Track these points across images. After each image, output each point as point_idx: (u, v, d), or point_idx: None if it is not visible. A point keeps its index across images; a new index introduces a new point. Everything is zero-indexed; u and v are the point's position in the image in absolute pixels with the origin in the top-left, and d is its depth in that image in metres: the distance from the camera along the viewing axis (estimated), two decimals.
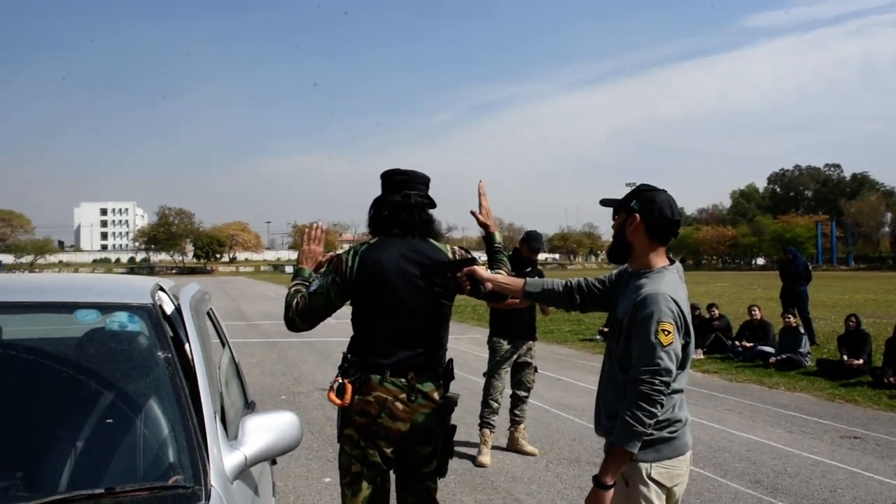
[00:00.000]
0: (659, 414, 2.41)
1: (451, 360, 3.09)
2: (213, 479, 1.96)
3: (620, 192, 2.90)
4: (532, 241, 6.35)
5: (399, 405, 2.91)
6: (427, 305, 3.00)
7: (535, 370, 6.40)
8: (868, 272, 68.67)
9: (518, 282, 2.97)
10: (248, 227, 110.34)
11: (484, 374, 6.29)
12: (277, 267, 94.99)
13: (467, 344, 13.72)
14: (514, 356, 6.20)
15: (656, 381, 2.37)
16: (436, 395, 2.96)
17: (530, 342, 6.28)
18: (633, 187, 2.71)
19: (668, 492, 2.50)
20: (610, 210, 2.75)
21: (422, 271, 2.97)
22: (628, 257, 2.67)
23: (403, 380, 2.92)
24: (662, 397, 2.38)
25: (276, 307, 25.48)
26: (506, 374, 6.22)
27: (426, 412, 2.94)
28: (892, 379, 9.18)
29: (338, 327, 19.44)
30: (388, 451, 2.94)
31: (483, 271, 2.94)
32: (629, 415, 2.37)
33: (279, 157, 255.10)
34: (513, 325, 6.13)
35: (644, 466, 2.47)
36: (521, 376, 6.26)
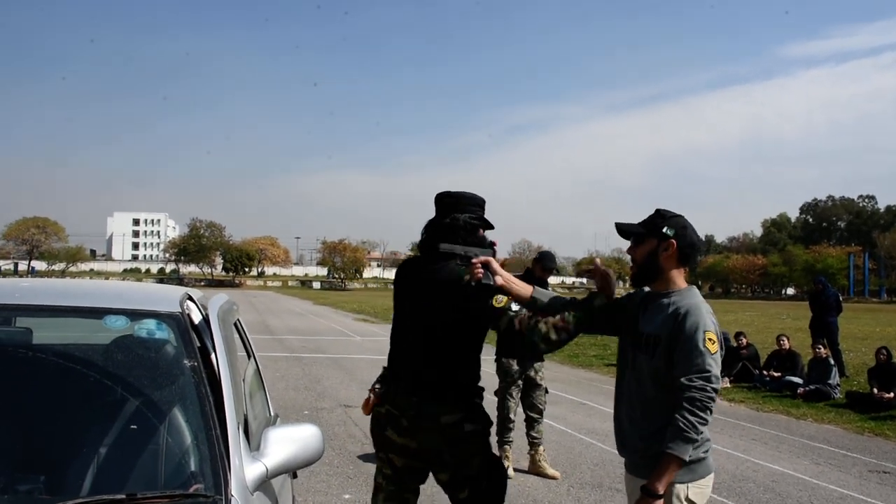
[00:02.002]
0: (710, 420, 2.46)
1: (476, 387, 3.02)
2: (234, 489, 1.98)
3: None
4: (545, 260, 6.29)
5: (404, 422, 2.95)
6: (441, 327, 2.97)
7: (546, 391, 6.37)
8: None
9: (527, 288, 2.97)
10: (277, 242, 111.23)
11: (495, 394, 6.27)
12: (305, 282, 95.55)
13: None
14: (523, 376, 6.19)
15: (708, 388, 2.43)
16: (443, 419, 2.90)
17: (538, 363, 6.26)
18: (655, 213, 2.74)
19: None
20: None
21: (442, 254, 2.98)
22: (655, 281, 2.70)
23: (414, 398, 2.94)
24: (713, 404, 2.43)
25: (302, 322, 25.65)
26: (517, 394, 6.20)
27: (432, 436, 2.92)
28: None
29: (363, 345, 19.57)
30: (400, 464, 2.96)
31: (497, 266, 2.92)
32: (684, 422, 2.41)
33: (310, 172, 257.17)
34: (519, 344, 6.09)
35: (681, 488, 2.51)
36: (532, 398, 6.24)
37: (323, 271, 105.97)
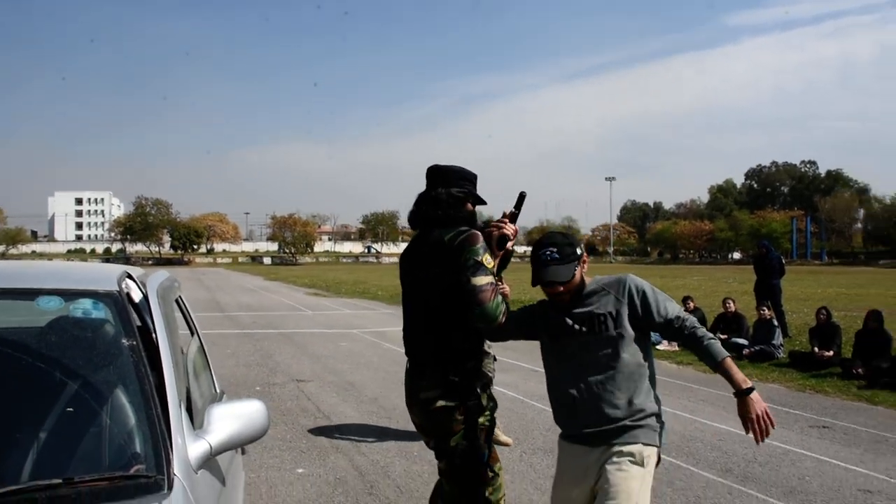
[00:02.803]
0: None
1: (460, 366, 3.02)
2: (177, 469, 1.94)
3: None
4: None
5: (407, 397, 3.16)
6: (426, 300, 3.05)
7: (494, 359, 6.42)
8: (840, 267, 69.56)
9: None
10: (226, 218, 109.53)
11: None
12: (256, 258, 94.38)
13: None
14: None
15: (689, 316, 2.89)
16: (422, 395, 3.01)
17: None
18: (563, 238, 2.90)
19: None
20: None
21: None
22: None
23: (411, 374, 3.12)
24: None
25: (253, 298, 25.40)
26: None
27: (415, 410, 3.10)
28: (860, 370, 9.31)
29: (315, 319, 19.39)
30: (424, 437, 3.17)
31: (511, 232, 3.13)
32: (709, 335, 2.85)
33: (259, 147, 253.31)
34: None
35: (657, 451, 2.80)
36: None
37: (273, 246, 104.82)
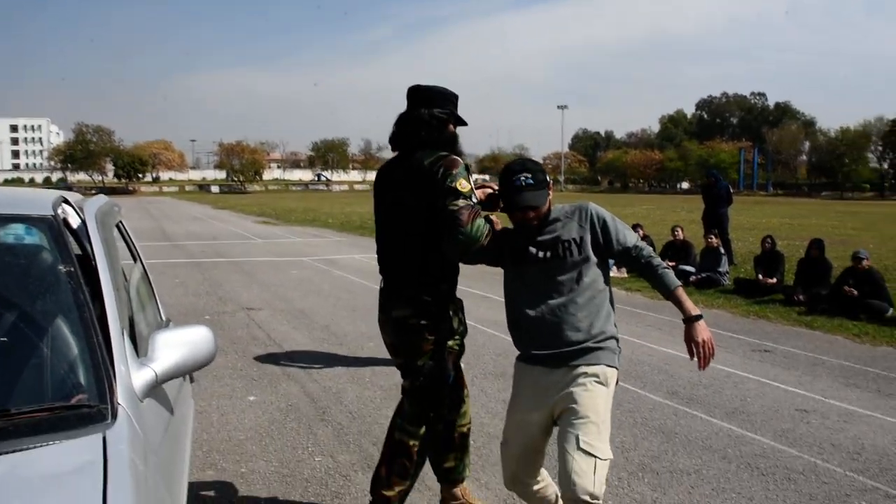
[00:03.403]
0: None
1: (435, 288, 3.05)
2: (121, 397, 1.87)
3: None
4: None
5: (380, 315, 3.18)
6: (405, 227, 3.05)
7: None
8: (785, 198, 71.14)
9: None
10: (171, 146, 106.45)
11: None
12: (203, 187, 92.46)
13: None
14: None
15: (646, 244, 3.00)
16: (395, 313, 3.07)
17: None
18: (535, 166, 2.90)
19: None
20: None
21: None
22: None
23: (386, 294, 3.15)
24: None
25: (201, 227, 24.97)
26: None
27: (388, 329, 3.14)
28: (801, 297, 9.60)
29: (265, 247, 19.18)
30: (394, 361, 3.21)
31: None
32: (664, 265, 2.94)
33: (204, 71, 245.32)
34: None
35: (617, 372, 2.89)
36: None
37: (221, 175, 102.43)
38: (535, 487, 3.02)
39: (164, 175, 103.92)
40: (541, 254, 2.86)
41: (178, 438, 2.48)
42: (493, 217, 3.03)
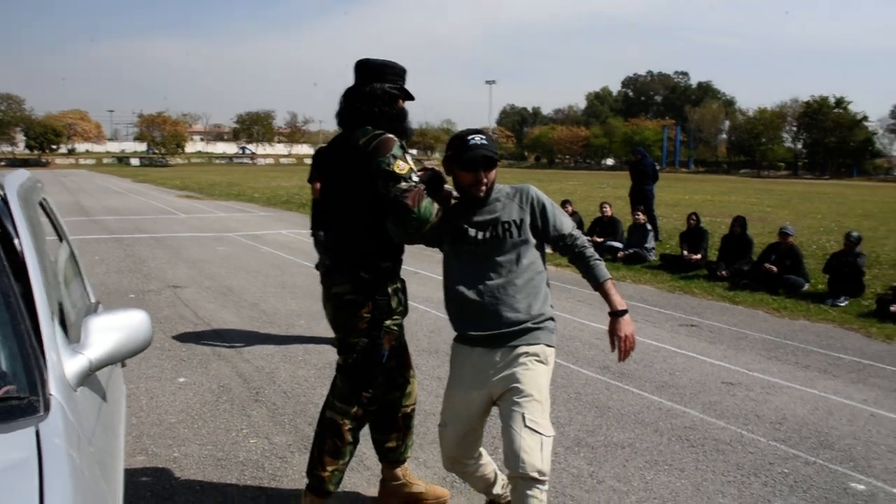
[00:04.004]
0: None
1: (374, 264, 3.00)
2: (53, 387, 1.77)
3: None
4: None
5: (323, 293, 3.16)
6: (344, 205, 3.01)
7: None
8: (706, 175, 73.35)
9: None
10: (87, 116, 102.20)
11: (316, 267, 6.27)
12: (122, 159, 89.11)
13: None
14: None
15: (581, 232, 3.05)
16: (334, 290, 3.05)
17: None
18: (480, 135, 2.89)
19: None
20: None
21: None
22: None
23: (327, 270, 3.11)
24: None
25: (121, 202, 24.16)
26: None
27: (328, 305, 3.12)
28: (724, 272, 9.91)
29: (189, 223, 18.65)
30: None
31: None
32: (597, 256, 2.98)
33: (120, 38, 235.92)
34: None
35: (553, 350, 2.93)
36: None
37: (141, 147, 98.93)
38: (475, 467, 3.05)
39: (81, 147, 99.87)
40: (480, 234, 2.87)
41: (112, 426, 2.37)
42: (448, 187, 2.99)
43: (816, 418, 4.79)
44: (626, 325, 2.90)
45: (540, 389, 2.76)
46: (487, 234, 2.86)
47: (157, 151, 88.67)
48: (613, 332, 2.91)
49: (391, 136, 2.91)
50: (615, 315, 2.90)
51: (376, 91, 2.99)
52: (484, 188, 2.85)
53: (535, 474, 2.57)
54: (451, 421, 2.93)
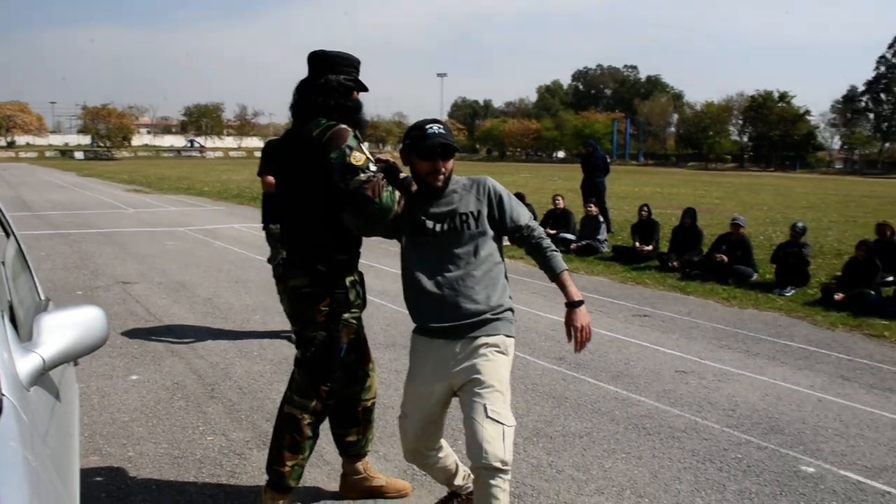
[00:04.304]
0: None
1: (331, 257, 2.97)
2: (5, 387, 1.71)
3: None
4: None
5: (278, 285, 3.18)
6: (300, 198, 2.99)
7: None
8: (654, 167, 74.43)
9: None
10: (27, 108, 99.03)
11: (269, 261, 6.30)
12: (66, 153, 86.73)
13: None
14: None
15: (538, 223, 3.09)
16: (291, 283, 3.02)
17: None
18: (438, 124, 2.91)
19: None
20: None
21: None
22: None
23: (284, 263, 3.10)
24: None
25: (65, 196, 23.54)
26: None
27: (284, 298, 3.10)
28: (675, 263, 10.08)
29: (137, 217, 18.29)
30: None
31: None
32: (553, 247, 3.02)
33: (61, 26, 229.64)
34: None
35: (511, 341, 2.93)
36: None
37: (86, 140, 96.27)
38: (436, 458, 3.05)
39: (21, 139, 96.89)
40: (438, 227, 2.87)
41: (66, 426, 2.32)
42: (405, 174, 2.98)
43: (767, 404, 4.91)
44: (583, 316, 2.92)
45: (501, 380, 2.78)
46: (445, 226, 2.87)
47: (102, 145, 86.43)
48: (569, 322, 2.94)
49: (344, 126, 2.89)
50: (571, 306, 2.93)
51: (331, 83, 2.96)
52: (442, 178, 2.86)
53: (499, 464, 2.60)
54: (412, 412, 2.93)
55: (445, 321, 2.84)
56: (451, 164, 2.89)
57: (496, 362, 2.80)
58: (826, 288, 8.45)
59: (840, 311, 7.77)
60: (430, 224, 2.88)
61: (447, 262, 2.86)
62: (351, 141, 2.85)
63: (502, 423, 2.67)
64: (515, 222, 2.95)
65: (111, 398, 4.74)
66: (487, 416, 2.66)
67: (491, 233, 2.91)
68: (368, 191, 2.77)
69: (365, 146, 2.92)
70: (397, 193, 2.85)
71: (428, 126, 2.87)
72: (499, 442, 2.62)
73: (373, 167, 2.85)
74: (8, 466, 1.48)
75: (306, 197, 2.96)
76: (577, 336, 2.92)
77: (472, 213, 2.89)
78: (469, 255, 2.86)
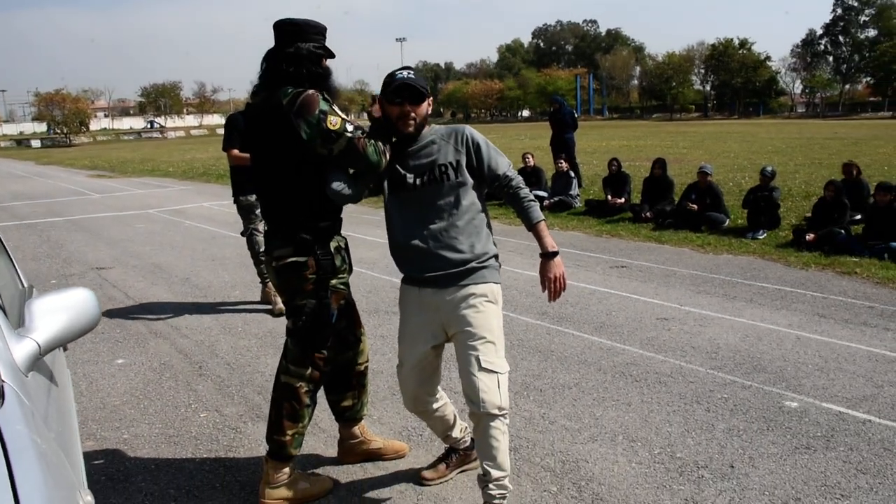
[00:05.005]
0: None
1: (312, 225, 2.96)
2: (4, 374, 1.71)
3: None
4: None
5: (265, 257, 3.16)
6: (276, 167, 2.96)
7: None
8: (620, 121, 74.72)
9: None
10: None
11: (242, 234, 6.27)
12: (21, 142, 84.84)
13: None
14: None
15: (517, 173, 3.04)
16: (275, 253, 3.00)
17: None
18: (408, 69, 2.92)
19: None
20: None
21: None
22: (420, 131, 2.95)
23: (267, 235, 3.11)
24: None
25: (26, 186, 23.07)
26: (263, 227, 6.16)
27: (270, 269, 3.08)
28: (648, 214, 10.18)
29: (104, 202, 17.96)
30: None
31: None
32: (530, 197, 3.00)
33: (9, 11, 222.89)
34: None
35: (498, 287, 2.95)
36: None
37: (41, 127, 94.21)
38: (435, 406, 3.11)
39: None
40: (418, 180, 2.88)
41: (65, 410, 2.31)
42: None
43: (748, 345, 5.02)
44: (556, 267, 2.93)
45: (491, 330, 2.83)
46: (425, 179, 2.88)
47: (59, 131, 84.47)
48: (544, 273, 2.95)
49: (313, 91, 2.86)
50: (546, 256, 2.94)
51: (302, 51, 2.92)
52: (412, 122, 2.85)
53: (495, 410, 2.73)
54: (407, 360, 2.98)
55: (432, 271, 2.88)
56: (422, 108, 2.87)
57: (486, 312, 2.84)
58: (797, 229, 8.60)
59: (812, 251, 7.92)
60: (410, 178, 2.88)
61: (430, 214, 2.88)
62: (322, 105, 2.82)
63: (496, 372, 2.77)
64: (494, 171, 2.94)
65: (99, 383, 4.71)
66: (481, 368, 2.75)
67: (471, 182, 2.91)
68: (357, 148, 2.79)
69: (337, 109, 2.90)
70: (380, 144, 2.85)
71: (398, 72, 2.86)
72: (494, 390, 2.74)
73: (350, 126, 2.83)
74: (19, 450, 1.47)
75: (280, 167, 2.94)
76: (551, 286, 2.94)
77: (450, 163, 2.88)
78: (451, 207, 2.87)
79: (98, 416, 4.16)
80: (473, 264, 2.87)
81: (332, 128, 2.79)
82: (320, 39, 2.99)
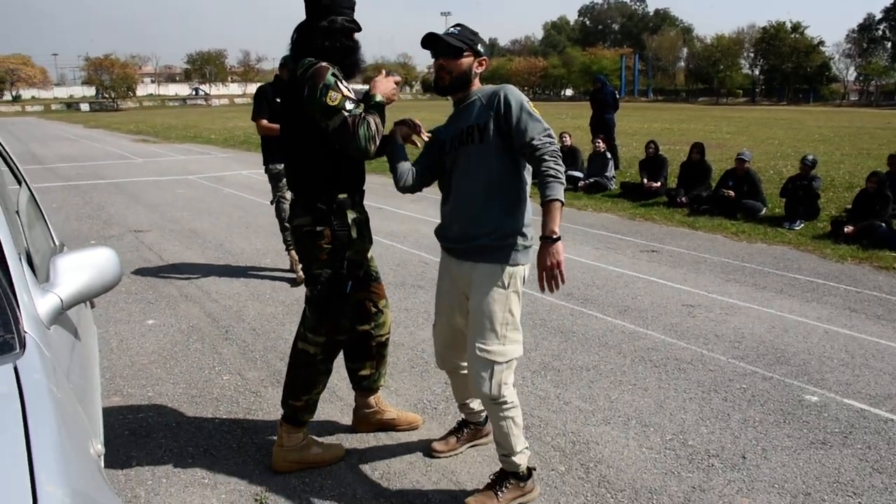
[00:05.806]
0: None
1: (330, 195, 2.99)
2: (27, 325, 1.78)
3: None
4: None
5: (290, 226, 3.19)
6: (295, 137, 3.01)
7: None
8: (664, 104, 73.51)
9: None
10: (30, 61, 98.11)
11: (271, 202, 6.46)
12: (71, 105, 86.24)
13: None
14: None
15: (554, 141, 2.71)
16: (295, 222, 3.06)
17: None
18: (465, 29, 2.84)
19: None
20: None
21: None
22: (460, 92, 2.86)
23: (291, 205, 3.17)
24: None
25: (74, 148, 23.56)
26: (289, 193, 6.28)
27: (295, 238, 3.12)
28: (684, 199, 10.06)
29: (146, 167, 18.32)
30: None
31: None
32: (553, 171, 2.63)
33: None
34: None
35: (522, 269, 2.80)
36: None
37: (90, 91, 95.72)
38: (459, 372, 3.14)
39: (26, 93, 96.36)
40: (452, 144, 2.84)
41: (87, 365, 2.40)
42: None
43: (773, 336, 4.97)
44: (553, 255, 2.59)
45: (493, 316, 2.73)
46: (457, 142, 2.80)
47: (106, 96, 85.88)
48: (540, 260, 2.62)
49: (325, 64, 2.87)
50: (545, 240, 2.61)
51: (335, 25, 2.94)
52: (447, 76, 2.79)
53: (487, 399, 2.77)
54: (439, 319, 3.06)
55: (450, 241, 2.90)
56: (459, 64, 2.77)
57: (490, 297, 2.74)
58: (836, 221, 8.44)
59: (849, 243, 7.77)
60: (448, 142, 2.87)
61: (455, 179, 2.83)
62: (328, 79, 2.82)
63: (493, 360, 2.73)
64: (522, 135, 2.66)
65: (129, 342, 4.85)
66: (477, 354, 2.74)
67: (500, 144, 2.71)
68: (345, 132, 2.80)
69: (342, 82, 2.90)
70: (374, 126, 2.84)
71: (447, 29, 2.85)
72: (486, 379, 2.74)
73: (349, 105, 2.82)
74: (35, 398, 1.55)
75: (301, 138, 2.98)
76: (544, 274, 2.62)
77: (477, 125, 2.74)
78: (474, 173, 2.74)
79: (126, 374, 4.29)
80: (486, 241, 2.74)
81: (331, 103, 2.79)
82: (350, 13, 3.01)
